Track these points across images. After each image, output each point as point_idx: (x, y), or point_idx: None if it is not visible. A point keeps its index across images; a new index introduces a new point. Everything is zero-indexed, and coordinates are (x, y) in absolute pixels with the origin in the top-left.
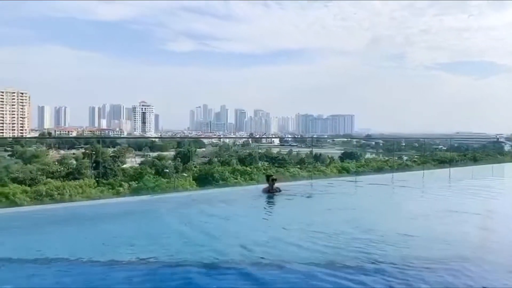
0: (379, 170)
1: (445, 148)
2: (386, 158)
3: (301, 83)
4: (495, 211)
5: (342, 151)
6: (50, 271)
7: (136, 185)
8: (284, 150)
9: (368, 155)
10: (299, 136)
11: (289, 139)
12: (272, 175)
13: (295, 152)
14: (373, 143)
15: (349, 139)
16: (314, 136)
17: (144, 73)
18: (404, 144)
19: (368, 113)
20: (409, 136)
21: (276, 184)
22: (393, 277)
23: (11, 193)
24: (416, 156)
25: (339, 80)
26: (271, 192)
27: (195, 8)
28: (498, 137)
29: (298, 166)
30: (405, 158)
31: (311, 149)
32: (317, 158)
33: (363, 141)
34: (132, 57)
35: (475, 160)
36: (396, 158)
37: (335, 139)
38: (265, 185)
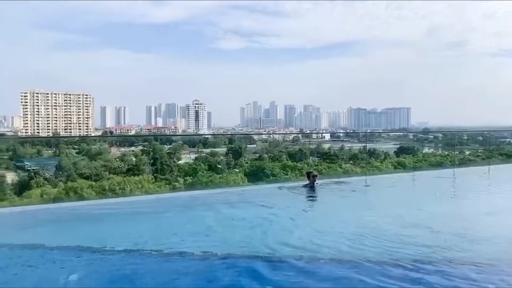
0: (439, 165)
1: None
2: (446, 153)
3: (353, 76)
4: None
5: (398, 146)
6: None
7: (191, 180)
8: (336, 146)
9: (426, 150)
10: (351, 131)
11: (341, 134)
12: (312, 172)
13: (347, 148)
14: (432, 137)
15: (405, 133)
16: (368, 131)
17: (196, 72)
18: (466, 137)
19: (426, 106)
20: (472, 129)
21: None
22: None
23: (79, 188)
24: (480, 151)
25: (394, 72)
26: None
27: (244, 6)
28: None
29: (351, 162)
30: (467, 152)
31: (364, 144)
32: (371, 153)
33: (421, 135)
34: (184, 57)
35: None
36: (457, 152)
37: (390, 133)
38: (306, 182)
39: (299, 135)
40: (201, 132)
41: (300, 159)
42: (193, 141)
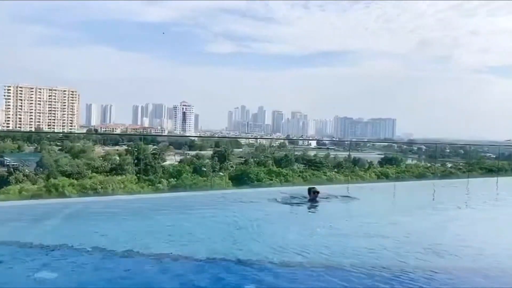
0: (421, 176)
1: (494, 156)
2: (429, 165)
3: (341, 85)
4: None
5: (382, 156)
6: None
7: (175, 182)
8: (321, 153)
9: (409, 161)
10: (337, 139)
11: (327, 142)
12: (314, 187)
13: (333, 156)
14: (415, 148)
15: (390, 143)
16: (353, 140)
17: (185, 73)
18: (448, 150)
19: (411, 118)
20: (455, 142)
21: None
22: None
23: (60, 186)
24: (461, 164)
25: (381, 83)
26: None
27: (235, 10)
28: None
29: (335, 170)
30: (449, 165)
31: (349, 153)
32: (356, 162)
33: (405, 146)
34: (173, 58)
35: None
36: (439, 164)
37: (375, 143)
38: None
39: (286, 141)
40: (187, 134)
41: (285, 165)
42: (179, 143)
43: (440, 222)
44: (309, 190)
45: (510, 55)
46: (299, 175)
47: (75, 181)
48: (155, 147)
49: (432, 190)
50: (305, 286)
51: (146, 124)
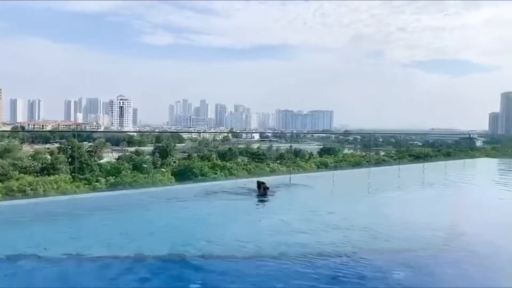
0: (357, 165)
1: (420, 144)
2: (364, 153)
3: (282, 78)
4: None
5: (321, 147)
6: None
7: (113, 180)
8: (264, 146)
9: (346, 151)
10: (279, 132)
11: (269, 134)
12: (264, 183)
13: (275, 148)
14: (351, 138)
15: (328, 134)
16: (294, 132)
17: (122, 66)
18: (381, 139)
19: (347, 109)
20: (386, 131)
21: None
22: None
23: None
24: (393, 152)
25: (319, 76)
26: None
27: (173, 2)
28: (470, 133)
29: (278, 161)
30: (382, 153)
31: (290, 144)
32: (297, 153)
33: (342, 137)
34: (109, 50)
35: (448, 156)
36: (373, 153)
37: (314, 134)
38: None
39: (229, 134)
40: (125, 129)
41: (229, 158)
42: (117, 139)
43: (380, 205)
44: (259, 184)
45: (433, 51)
46: (243, 168)
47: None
48: (90, 144)
49: (368, 176)
50: (253, 279)
51: (80, 120)
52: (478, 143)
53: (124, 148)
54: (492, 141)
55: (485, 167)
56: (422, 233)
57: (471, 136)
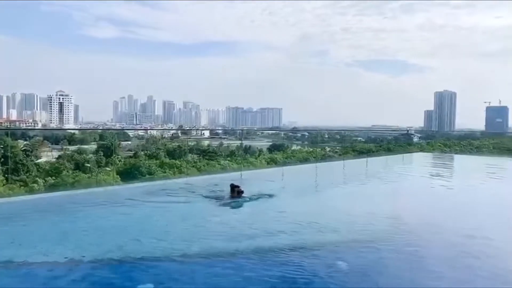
0: (305, 160)
1: (363, 140)
2: (311, 149)
3: (231, 76)
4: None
5: (271, 143)
6: None
7: (53, 181)
8: (215, 143)
9: (294, 147)
10: (229, 129)
11: (220, 131)
12: (238, 187)
13: (226, 145)
14: (299, 135)
15: (277, 131)
16: (244, 129)
17: (61, 60)
18: (327, 136)
19: (295, 107)
20: (332, 128)
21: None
22: None
23: None
24: (338, 147)
25: (268, 74)
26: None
27: None
28: (408, 129)
29: (229, 158)
30: (328, 149)
31: (241, 141)
32: (247, 150)
33: (290, 133)
34: (46, 42)
35: (389, 151)
36: (320, 149)
37: (264, 131)
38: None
39: (178, 131)
40: (66, 126)
41: (179, 156)
42: (56, 137)
43: (326, 199)
44: (232, 187)
45: (374, 51)
46: (193, 166)
47: None
48: (26, 142)
49: (316, 172)
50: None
51: (14, 117)
52: (415, 139)
53: (64, 147)
54: (427, 137)
55: (421, 161)
56: (366, 223)
57: (409, 132)
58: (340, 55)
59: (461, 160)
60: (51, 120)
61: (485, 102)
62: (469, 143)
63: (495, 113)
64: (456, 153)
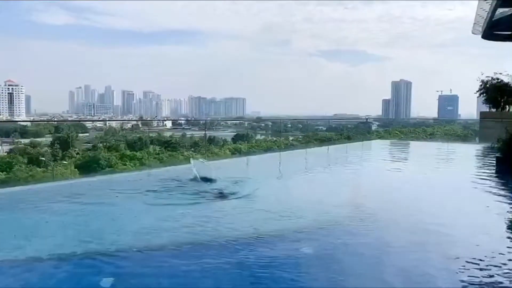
0: (269, 149)
1: (325, 129)
2: (274, 139)
3: (193, 65)
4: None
5: (235, 133)
6: None
7: (4, 176)
8: (178, 134)
9: (258, 136)
10: (192, 119)
11: (182, 122)
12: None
13: (189, 135)
14: (263, 125)
15: (241, 121)
16: (208, 119)
17: (9, 47)
18: (290, 125)
19: (259, 97)
20: (294, 118)
21: None
22: None
23: None
24: (300, 136)
25: (231, 64)
26: None
27: None
28: (367, 118)
29: (192, 149)
30: (291, 138)
31: (205, 132)
32: (211, 140)
33: (254, 123)
34: None
35: (349, 139)
36: (283, 138)
37: (228, 121)
38: None
39: (139, 122)
40: (17, 119)
41: (140, 148)
42: (7, 130)
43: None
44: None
45: (335, 41)
46: (155, 157)
47: None
48: None
49: (279, 160)
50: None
51: None
52: (374, 127)
53: (16, 140)
54: (384, 125)
55: (378, 147)
56: (328, 208)
57: (368, 120)
58: (303, 45)
59: (414, 147)
60: (0, 112)
61: (438, 91)
62: (423, 130)
63: (446, 101)
64: (412, 140)
